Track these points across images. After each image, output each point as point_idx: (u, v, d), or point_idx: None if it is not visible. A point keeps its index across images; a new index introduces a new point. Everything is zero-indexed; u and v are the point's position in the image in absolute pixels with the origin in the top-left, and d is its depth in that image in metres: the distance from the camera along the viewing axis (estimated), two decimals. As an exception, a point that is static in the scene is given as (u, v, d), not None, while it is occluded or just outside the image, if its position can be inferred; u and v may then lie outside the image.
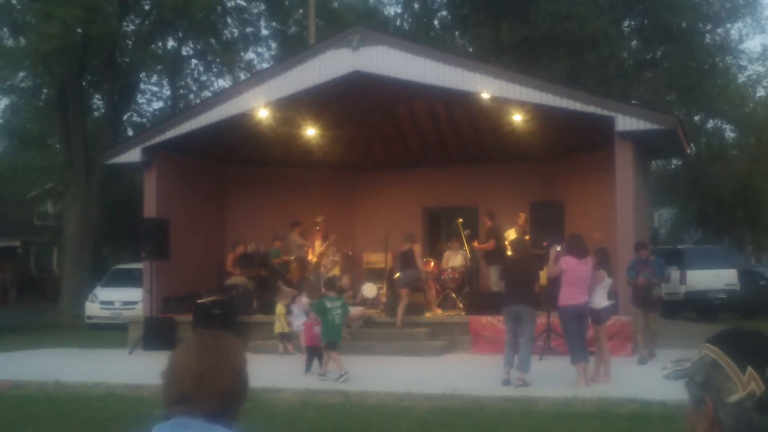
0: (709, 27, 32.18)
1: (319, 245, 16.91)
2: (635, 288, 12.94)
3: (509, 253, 16.14)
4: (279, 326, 14.20)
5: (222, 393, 1.99)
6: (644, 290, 12.88)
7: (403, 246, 15.28)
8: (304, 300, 13.43)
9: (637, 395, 9.24)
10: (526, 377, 10.28)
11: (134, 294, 18.66)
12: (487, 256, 16.50)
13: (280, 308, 14.28)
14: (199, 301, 15.41)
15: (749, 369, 1.44)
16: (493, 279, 16.03)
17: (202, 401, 1.98)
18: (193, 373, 2.00)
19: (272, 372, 11.12)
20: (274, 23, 34.01)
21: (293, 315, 13.65)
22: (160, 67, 29.96)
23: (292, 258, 17.49)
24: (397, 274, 15.37)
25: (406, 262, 15.09)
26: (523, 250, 11.77)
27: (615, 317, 13.18)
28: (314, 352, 11.66)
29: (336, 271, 16.15)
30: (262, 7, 33.24)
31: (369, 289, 16.21)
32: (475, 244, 16.78)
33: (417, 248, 15.34)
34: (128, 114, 31.97)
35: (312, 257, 16.99)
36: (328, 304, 11.16)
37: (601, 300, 10.68)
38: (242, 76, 30.32)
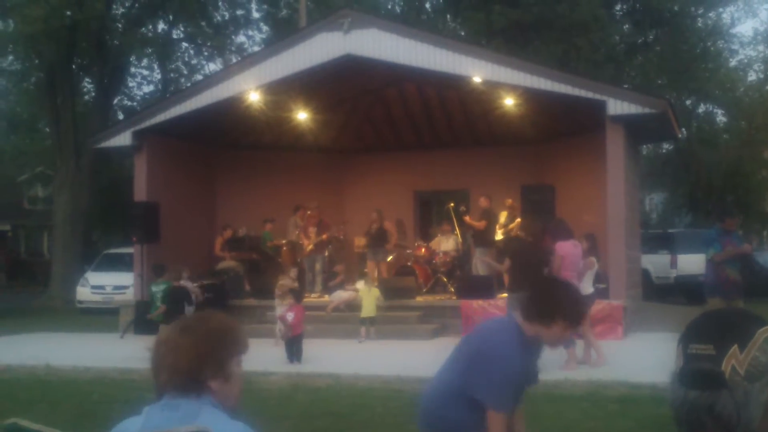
0: (700, 11, 32.09)
1: (312, 231, 16.84)
2: (717, 270, 9.79)
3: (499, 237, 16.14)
4: (366, 311, 13.91)
5: (179, 371, 2.06)
6: (740, 264, 9.95)
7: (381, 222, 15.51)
8: None
9: (626, 378, 9.29)
10: None
11: (125, 278, 18.65)
12: (476, 237, 16.41)
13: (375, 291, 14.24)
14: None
15: (679, 347, 1.60)
16: (477, 262, 15.96)
17: (169, 378, 2.06)
18: (167, 349, 2.09)
19: (264, 356, 11.13)
20: (265, 6, 33.77)
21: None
22: (149, 50, 29.75)
23: (284, 242, 17.47)
24: None
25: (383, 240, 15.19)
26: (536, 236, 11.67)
27: (605, 301, 13.25)
28: (292, 341, 11.48)
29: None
30: (253, -11, 33.01)
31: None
32: (467, 218, 16.49)
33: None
34: (118, 97, 31.79)
35: (307, 243, 16.90)
36: (154, 288, 13.33)
37: (586, 286, 10.64)
38: (233, 59, 30.10)
